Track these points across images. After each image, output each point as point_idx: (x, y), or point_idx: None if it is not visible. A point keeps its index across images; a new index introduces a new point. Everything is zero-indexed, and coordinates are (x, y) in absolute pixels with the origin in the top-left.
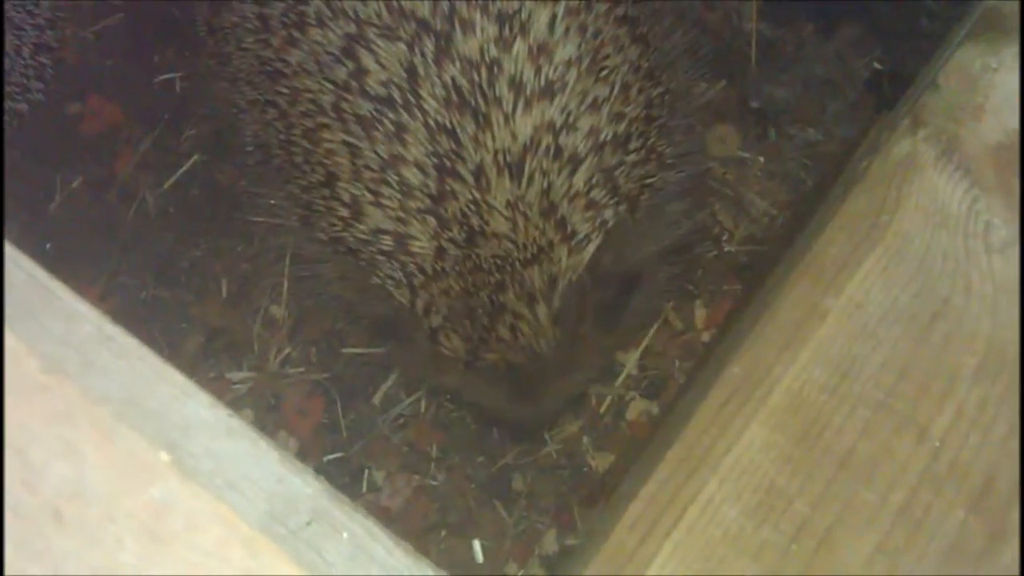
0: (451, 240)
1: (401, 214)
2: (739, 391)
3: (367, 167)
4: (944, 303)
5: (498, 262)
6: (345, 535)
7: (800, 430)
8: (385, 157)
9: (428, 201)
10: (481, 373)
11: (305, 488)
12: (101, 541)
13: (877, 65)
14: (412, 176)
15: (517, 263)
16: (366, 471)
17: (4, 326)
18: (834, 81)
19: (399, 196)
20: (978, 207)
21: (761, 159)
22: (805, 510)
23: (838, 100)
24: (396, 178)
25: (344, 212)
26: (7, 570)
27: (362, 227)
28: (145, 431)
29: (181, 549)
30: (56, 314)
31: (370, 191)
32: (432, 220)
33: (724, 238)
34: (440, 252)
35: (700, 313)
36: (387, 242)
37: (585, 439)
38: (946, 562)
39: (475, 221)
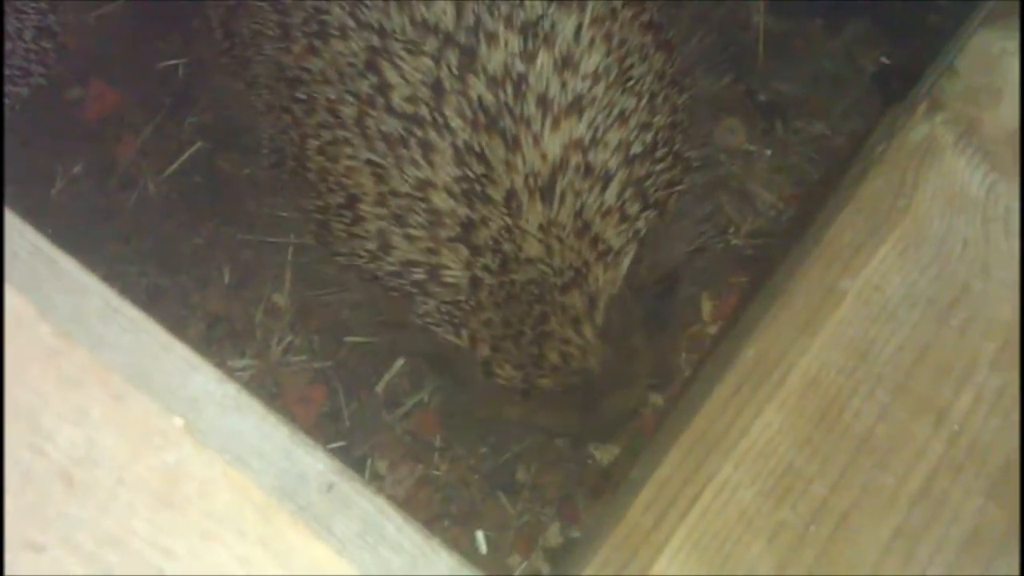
0: (485, 268)
1: (431, 244)
2: (754, 374)
3: (393, 193)
4: (963, 288)
5: (535, 289)
6: (356, 511)
7: (818, 412)
8: (412, 181)
9: (458, 229)
10: (540, 400)
11: (316, 464)
12: (112, 506)
13: (884, 60)
14: (441, 202)
15: (556, 290)
16: (368, 460)
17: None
18: (841, 75)
19: (427, 224)
20: (998, 191)
21: (768, 152)
22: (823, 492)
23: (845, 94)
24: (424, 205)
25: (370, 245)
26: (17, 535)
27: (390, 259)
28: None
29: (194, 515)
30: (62, 287)
31: (396, 220)
32: (464, 249)
33: (730, 231)
34: (475, 281)
35: (707, 306)
36: (418, 273)
37: None
38: (966, 547)
39: (508, 247)
